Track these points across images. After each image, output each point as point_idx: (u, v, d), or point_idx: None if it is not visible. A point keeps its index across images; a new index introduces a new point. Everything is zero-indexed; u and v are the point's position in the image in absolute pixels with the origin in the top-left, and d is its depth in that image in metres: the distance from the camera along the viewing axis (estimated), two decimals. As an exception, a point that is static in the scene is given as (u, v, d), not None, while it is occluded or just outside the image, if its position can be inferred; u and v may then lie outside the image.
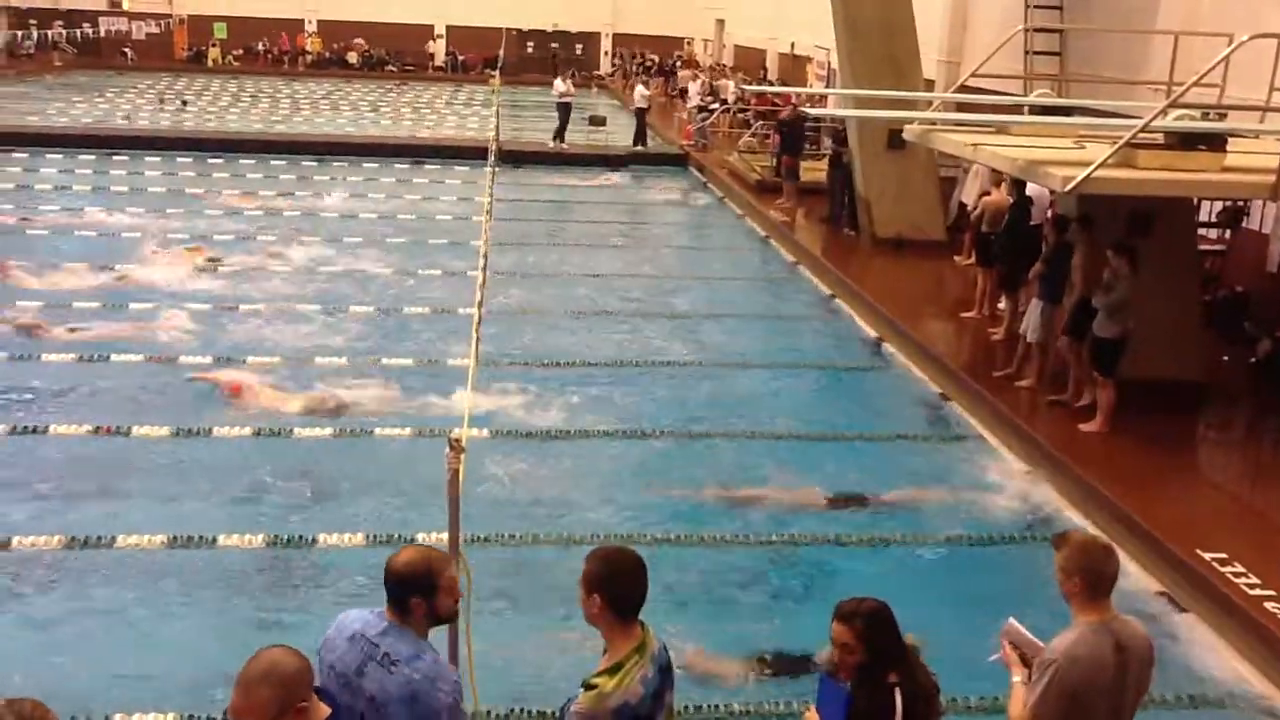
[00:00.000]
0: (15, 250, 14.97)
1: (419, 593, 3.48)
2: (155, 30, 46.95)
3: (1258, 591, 6.80)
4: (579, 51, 50.25)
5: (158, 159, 23.16)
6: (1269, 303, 12.11)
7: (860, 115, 15.89)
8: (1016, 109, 12.73)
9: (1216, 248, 13.87)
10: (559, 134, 26.42)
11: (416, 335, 12.21)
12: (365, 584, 6.57)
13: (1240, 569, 7.04)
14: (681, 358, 11.98)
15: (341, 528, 7.63)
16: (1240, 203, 13.50)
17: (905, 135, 12.96)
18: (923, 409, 10.88)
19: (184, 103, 33.18)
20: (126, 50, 46.03)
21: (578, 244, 17.67)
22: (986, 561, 7.74)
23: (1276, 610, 6.60)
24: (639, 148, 26.71)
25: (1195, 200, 11.79)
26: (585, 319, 13.33)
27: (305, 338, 11.93)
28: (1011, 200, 12.10)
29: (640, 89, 28.94)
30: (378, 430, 9.43)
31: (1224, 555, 7.20)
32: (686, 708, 5.79)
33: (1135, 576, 7.40)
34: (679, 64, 42.68)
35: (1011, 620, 4.10)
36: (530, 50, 49.40)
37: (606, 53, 50.95)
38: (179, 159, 23.28)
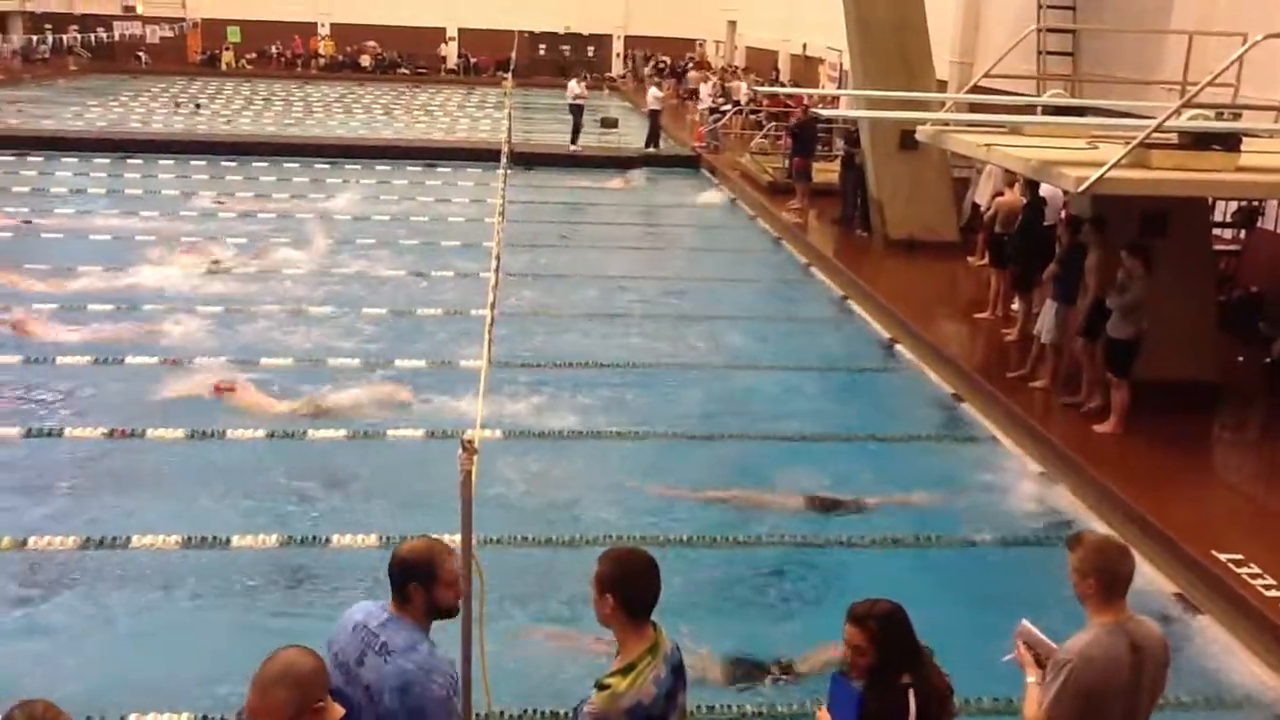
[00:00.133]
0: (29, 252, 15.05)
1: (418, 580, 3.51)
2: (169, 34, 47.14)
3: (1274, 593, 6.77)
4: (591, 54, 50.29)
5: (171, 162, 23.27)
6: (1284, 303, 12.06)
7: (872, 116, 15.87)
8: (1030, 109, 12.69)
9: (1231, 248, 13.81)
10: (575, 137, 26.44)
11: (429, 337, 12.23)
12: (378, 585, 6.56)
13: (1256, 570, 7.00)
14: (694, 359, 11.98)
15: (354, 529, 7.64)
16: (1255, 203, 13.44)
17: (918, 136, 12.93)
18: (936, 410, 10.85)
19: (197, 106, 33.34)
20: (141, 54, 46.25)
21: (590, 246, 17.68)
22: (1000, 563, 7.71)
23: (1293, 612, 6.57)
24: (651, 149, 26.72)
25: (1210, 200, 11.74)
26: (597, 320, 13.33)
27: (317, 340, 11.96)
28: (1025, 201, 12.06)
29: (653, 90, 28.95)
30: (390, 432, 9.45)
31: (1240, 556, 7.16)
32: (699, 708, 5.79)
33: (1150, 578, 7.36)
34: (690, 66, 42.65)
35: (1024, 622, 4.09)
36: (542, 52, 49.48)
37: (618, 55, 50.98)
38: (193, 162, 23.37)
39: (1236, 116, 10.40)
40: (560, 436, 9.54)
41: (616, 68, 50.40)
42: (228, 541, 7.47)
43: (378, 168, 23.75)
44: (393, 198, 20.75)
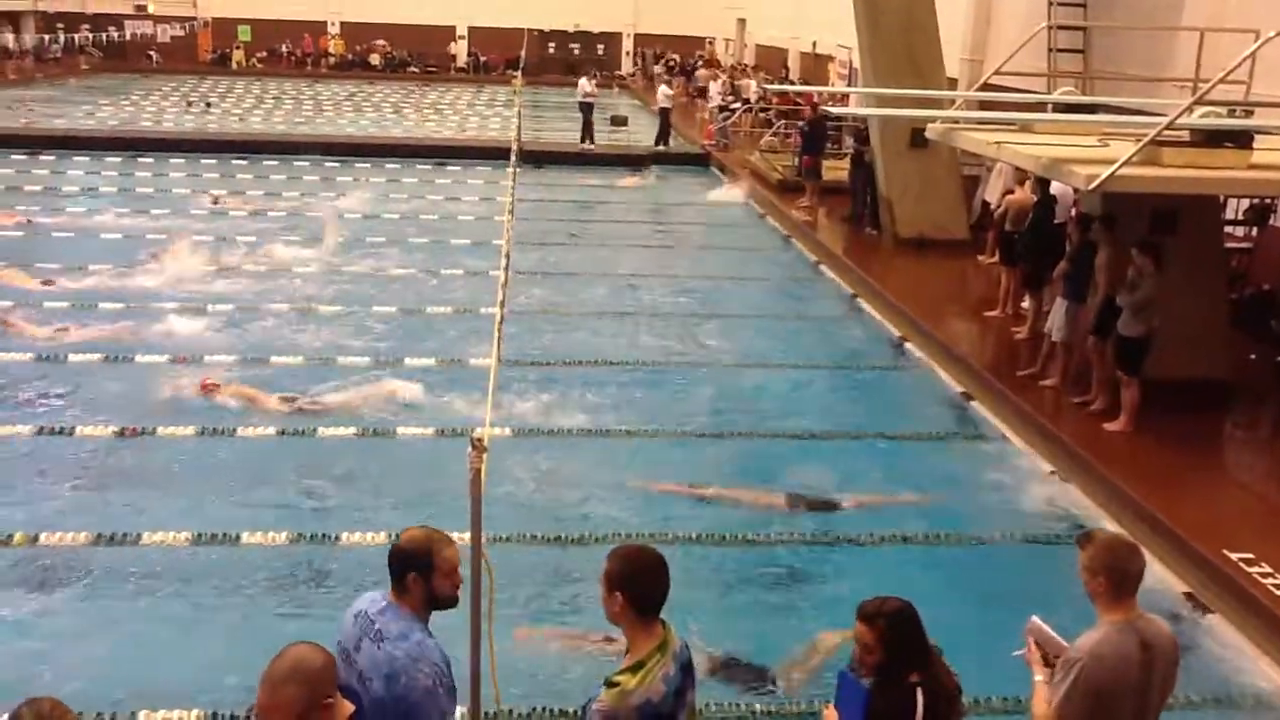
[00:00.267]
0: (40, 250, 15.11)
1: (416, 570, 3.54)
2: (180, 33, 47.27)
3: (1285, 592, 6.75)
4: (600, 52, 50.30)
5: (182, 160, 23.33)
6: (1296, 301, 12.01)
7: (882, 114, 15.84)
8: (1040, 107, 12.66)
9: (1243, 245, 13.76)
10: (589, 135, 26.43)
11: (439, 335, 12.25)
12: (387, 583, 6.57)
13: (1267, 569, 6.98)
14: (703, 358, 11.98)
15: (364, 526, 7.66)
16: (1267, 200, 13.38)
17: (928, 134, 12.91)
18: (946, 409, 10.83)
19: (208, 105, 33.44)
20: (152, 53, 46.41)
21: (599, 244, 17.68)
22: (1010, 561, 7.69)
23: (1304, 611, 6.55)
24: (661, 147, 26.72)
25: (1221, 198, 11.70)
26: (606, 319, 13.34)
27: (327, 338, 11.98)
28: (1035, 199, 12.03)
29: (663, 88, 28.94)
30: (400, 430, 9.47)
31: (1250, 555, 7.14)
32: (708, 705, 5.79)
33: (1160, 577, 7.35)
34: (699, 64, 42.63)
35: (1034, 618, 4.09)
36: (552, 51, 49.49)
37: (628, 53, 50.97)
38: (203, 160, 23.44)
39: (1248, 114, 10.37)
40: (569, 435, 9.55)
41: (626, 66, 50.39)
42: (238, 539, 7.50)
43: (388, 166, 23.78)
44: (402, 196, 20.78)
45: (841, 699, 3.77)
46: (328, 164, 23.78)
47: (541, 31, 47.67)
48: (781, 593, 7.31)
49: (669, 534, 7.69)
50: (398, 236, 17.15)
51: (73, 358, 10.98)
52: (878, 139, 17.00)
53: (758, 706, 5.94)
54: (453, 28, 49.57)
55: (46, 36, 42.79)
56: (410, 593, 3.55)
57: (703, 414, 10.27)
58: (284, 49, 48.48)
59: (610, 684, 3.44)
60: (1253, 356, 11.36)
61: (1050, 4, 17.37)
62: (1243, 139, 9.44)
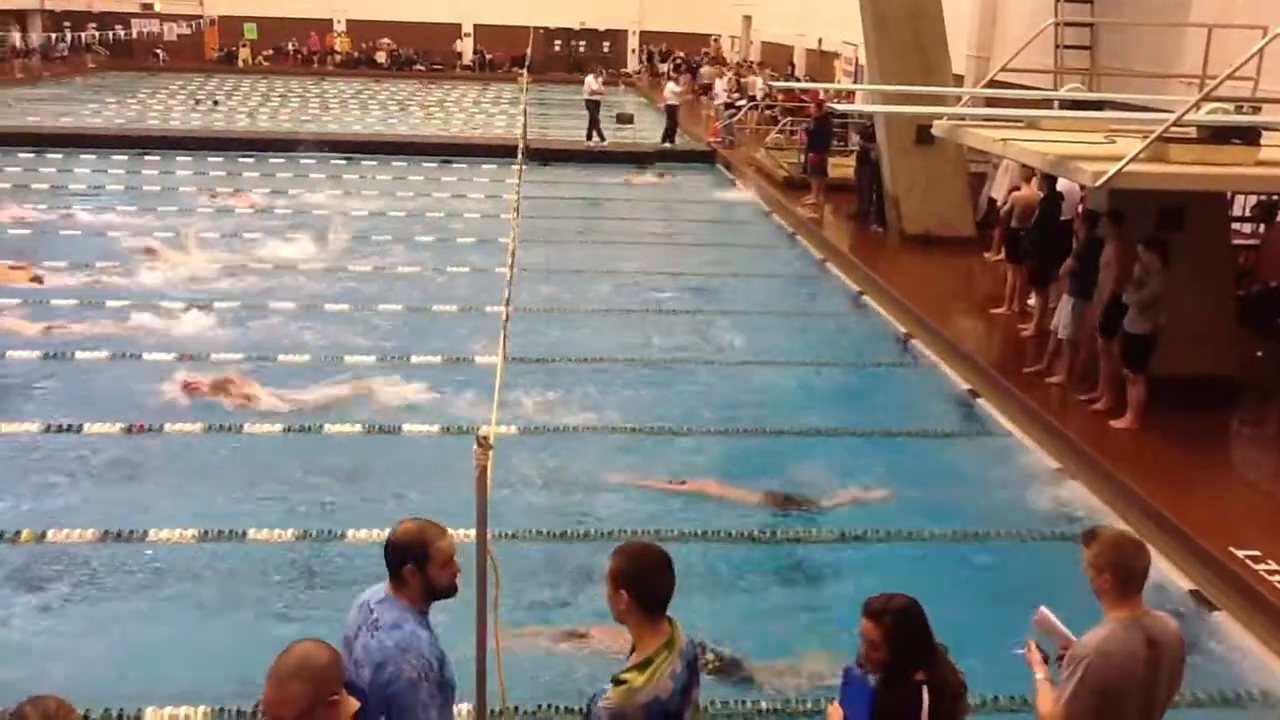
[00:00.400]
0: (47, 249, 15.14)
1: (411, 561, 3.57)
2: (186, 31, 47.36)
3: (1292, 589, 6.73)
4: (606, 49, 50.27)
5: (189, 158, 23.37)
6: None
7: (888, 111, 15.81)
8: (1047, 104, 12.64)
9: (1250, 242, 13.72)
10: (598, 132, 26.41)
11: (445, 333, 12.25)
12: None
13: (1274, 566, 6.97)
14: (709, 355, 11.98)
15: (370, 524, 7.66)
16: (1274, 197, 13.33)
17: (934, 131, 12.88)
18: (952, 406, 10.82)
19: (215, 103, 33.51)
20: (158, 51, 46.47)
21: (605, 241, 17.68)
22: (1016, 559, 7.69)
23: (1311, 608, 6.53)
24: (667, 144, 26.71)
25: (1229, 195, 11.67)
26: (613, 316, 13.34)
27: (333, 336, 11.99)
28: (1042, 195, 12.01)
29: (671, 86, 28.93)
30: (406, 427, 9.47)
31: (1257, 553, 7.13)
32: (713, 703, 5.79)
33: (1167, 574, 7.33)
34: (704, 61, 42.59)
35: (1043, 609, 4.10)
36: (558, 48, 49.52)
37: (633, 50, 50.95)
38: (210, 158, 23.47)
39: (1256, 110, 10.33)
40: (575, 432, 9.55)
41: (631, 63, 50.37)
42: (244, 535, 7.51)
43: (393, 164, 23.80)
44: (408, 194, 20.79)
45: (846, 696, 3.77)
46: (334, 161, 23.81)
47: (547, 29, 47.69)
48: (787, 589, 7.31)
49: (675, 531, 7.70)
50: (404, 234, 17.16)
51: (77, 355, 10.99)
52: (884, 136, 16.98)
53: (763, 704, 5.94)
54: (458, 25, 49.58)
55: (53, 35, 42.84)
56: (408, 584, 3.58)
57: (708, 411, 10.27)
58: (290, 47, 48.51)
59: (618, 682, 3.44)
60: (1259, 353, 11.34)
61: (1057, 0, 17.33)
62: (1250, 135, 9.42)
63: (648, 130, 29.13)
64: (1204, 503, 8.03)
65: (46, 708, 2.85)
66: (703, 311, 13.72)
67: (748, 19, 45.04)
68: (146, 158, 23.40)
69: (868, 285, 14.64)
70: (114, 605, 6.79)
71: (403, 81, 43.97)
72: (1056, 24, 15.91)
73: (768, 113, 29.06)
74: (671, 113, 27.32)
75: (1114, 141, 10.32)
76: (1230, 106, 9.77)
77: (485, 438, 3.87)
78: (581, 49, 49.94)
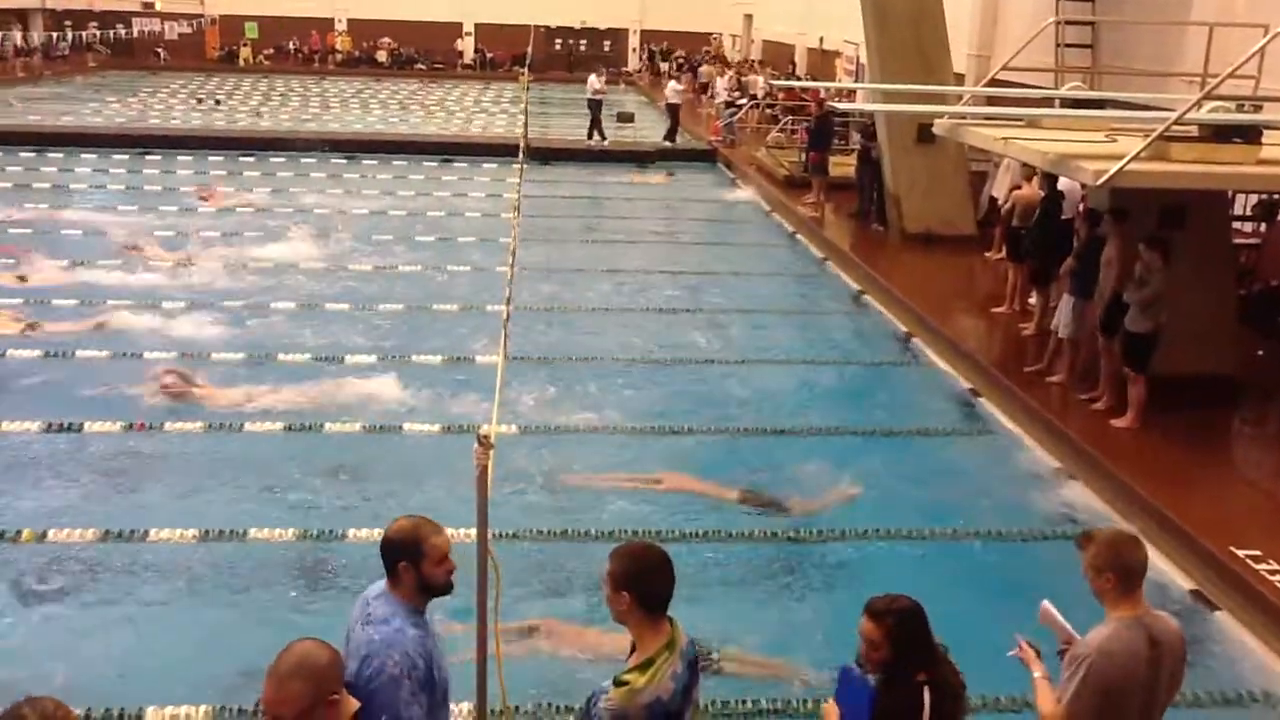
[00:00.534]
0: (48, 248, 15.14)
1: (406, 558, 3.58)
2: (187, 30, 47.38)
3: (1293, 589, 6.73)
4: (607, 48, 50.27)
5: (190, 158, 23.37)
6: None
7: (889, 110, 15.80)
8: (1048, 102, 12.63)
9: (1251, 241, 13.71)
10: (599, 132, 26.38)
11: (445, 332, 12.24)
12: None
13: (1275, 566, 6.96)
14: (709, 354, 11.97)
15: (371, 523, 7.65)
16: (1275, 195, 13.32)
17: (935, 129, 12.88)
18: (953, 405, 10.82)
19: (217, 102, 33.53)
20: (159, 50, 46.51)
21: (606, 240, 17.68)
22: (1016, 558, 7.68)
23: (1312, 608, 6.53)
24: (670, 143, 26.71)
25: (1230, 193, 11.66)
26: (613, 315, 13.34)
27: (333, 335, 11.99)
28: (1043, 194, 12.00)
29: (673, 84, 28.93)
30: (407, 426, 9.47)
31: (1258, 552, 7.12)
32: (713, 702, 5.79)
33: (1168, 574, 7.35)
34: (704, 60, 42.58)
35: (1046, 603, 4.11)
36: (558, 47, 49.55)
37: (634, 49, 50.94)
38: (210, 158, 23.47)
39: (1257, 109, 10.32)
40: (575, 431, 9.54)
41: (632, 62, 50.36)
42: (245, 535, 7.51)
43: (394, 163, 23.80)
44: (409, 193, 20.79)
45: (844, 695, 3.76)
46: (334, 161, 23.80)
47: (548, 28, 47.69)
48: (787, 588, 7.30)
49: (676, 531, 7.71)
50: (405, 233, 17.16)
51: (80, 353, 10.99)
52: (885, 135, 16.97)
53: (763, 704, 5.94)
54: (459, 24, 49.62)
55: (54, 34, 42.86)
56: (402, 581, 3.60)
57: (709, 410, 10.26)
58: (291, 46, 48.55)
59: (619, 683, 3.44)
60: (1260, 352, 11.33)
61: (1058, -1, 17.33)
62: (1251, 134, 9.40)
63: (648, 129, 29.10)
64: (1205, 502, 8.03)
65: (44, 708, 2.85)
66: (703, 310, 13.72)
67: (749, 18, 45.04)
68: (148, 157, 23.41)
69: (868, 284, 14.64)
70: (115, 605, 6.79)
71: (404, 80, 44.01)
72: (1057, 22, 15.89)
73: (769, 111, 29.06)
74: (673, 111, 27.32)
75: (1115, 140, 10.31)
76: (1231, 105, 9.76)
77: (486, 437, 3.87)
78: (582, 48, 49.95)
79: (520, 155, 15.52)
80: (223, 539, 7.47)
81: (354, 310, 12.94)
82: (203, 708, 5.67)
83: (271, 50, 48.15)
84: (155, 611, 6.73)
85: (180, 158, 23.35)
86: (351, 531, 7.57)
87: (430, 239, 16.91)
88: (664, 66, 44.06)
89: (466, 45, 50.09)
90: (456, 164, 24.10)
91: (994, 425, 10.18)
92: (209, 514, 7.80)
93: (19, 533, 7.42)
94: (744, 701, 5.93)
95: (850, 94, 21.92)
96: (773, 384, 11.12)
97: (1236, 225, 13.15)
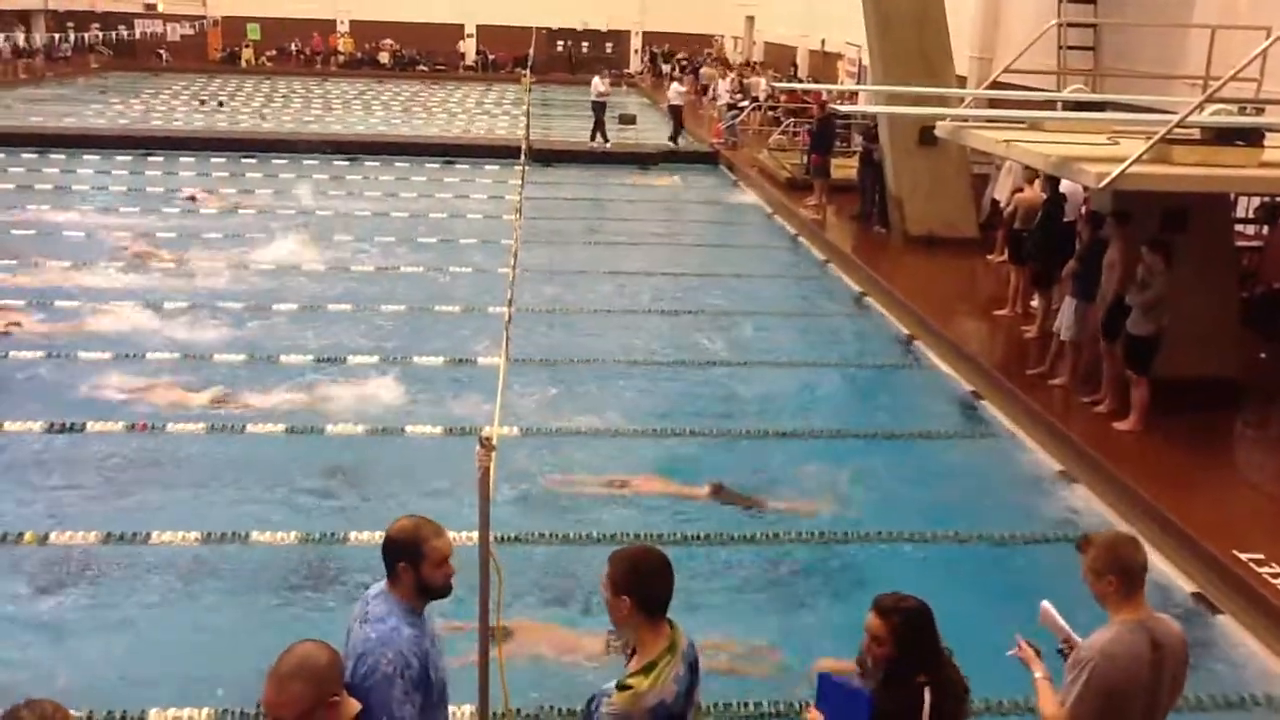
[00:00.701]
0: (50, 249, 15.16)
1: (405, 560, 3.58)
2: (190, 32, 47.40)
3: (1295, 592, 6.72)
4: (609, 50, 50.29)
5: (192, 159, 23.38)
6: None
7: (891, 112, 15.81)
8: (1050, 105, 12.62)
9: (1254, 244, 13.70)
10: (602, 134, 26.38)
11: (447, 333, 12.25)
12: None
13: (1278, 569, 6.95)
14: (711, 356, 11.97)
15: (373, 525, 7.63)
16: (1278, 198, 13.32)
17: (937, 132, 12.87)
18: (955, 407, 10.81)
19: (221, 103, 33.58)
20: (161, 52, 46.53)
21: (607, 242, 17.69)
22: (1018, 561, 7.68)
23: (1315, 611, 6.52)
24: (674, 145, 26.71)
25: (1232, 196, 11.65)
26: (615, 317, 13.34)
27: (335, 336, 11.99)
28: (1045, 197, 12.00)
29: (675, 86, 28.93)
30: (409, 428, 9.47)
31: (1261, 556, 7.11)
32: (716, 705, 5.79)
33: (1170, 577, 7.34)
34: (705, 62, 42.61)
35: (1046, 603, 4.12)
36: (560, 49, 49.58)
37: (636, 51, 50.97)
38: (213, 159, 23.48)
39: (1259, 111, 10.32)
40: (577, 433, 9.54)
41: (634, 64, 50.38)
42: (246, 537, 7.51)
43: (396, 164, 23.81)
44: (411, 194, 20.80)
45: (826, 703, 3.71)
46: (337, 162, 23.81)
47: (550, 29, 47.71)
48: (791, 591, 7.30)
49: (678, 534, 7.70)
50: (407, 235, 17.17)
51: (82, 355, 10.99)
52: (887, 137, 16.97)
53: (765, 705, 5.93)
54: (461, 26, 49.63)
55: (57, 35, 42.91)
56: (401, 582, 3.60)
57: (711, 412, 10.26)
58: (293, 47, 48.57)
59: (622, 686, 3.44)
60: (1263, 355, 11.31)
61: (1060, 1, 17.31)
62: (1253, 137, 9.40)
63: (650, 131, 29.10)
64: (1207, 505, 8.02)
65: (43, 711, 2.85)
66: (705, 312, 13.71)
67: (750, 19, 45.04)
68: (149, 158, 23.43)
69: (870, 286, 14.63)
70: (117, 607, 6.78)
71: (406, 82, 44.00)
72: (1060, 25, 15.89)
73: (770, 114, 29.06)
74: (676, 113, 27.33)
75: (1117, 143, 10.31)
76: (1234, 108, 9.77)
77: (488, 439, 3.87)
78: (584, 50, 49.97)
79: (522, 157, 15.48)
80: (225, 541, 7.47)
81: (356, 311, 12.94)
82: (205, 710, 5.67)
83: (274, 52, 48.17)
84: (157, 613, 6.73)
85: (183, 159, 23.35)
86: (353, 534, 7.57)
87: (432, 240, 16.91)
88: (665, 68, 44.05)
89: (468, 47, 50.11)
90: (458, 165, 24.10)
91: (996, 428, 10.17)
92: (211, 516, 7.80)
93: (21, 534, 7.43)
94: (746, 704, 5.92)
95: (852, 96, 21.94)
96: (774, 386, 11.12)
97: (1239, 228, 13.14)
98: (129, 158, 23.32)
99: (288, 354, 11.26)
